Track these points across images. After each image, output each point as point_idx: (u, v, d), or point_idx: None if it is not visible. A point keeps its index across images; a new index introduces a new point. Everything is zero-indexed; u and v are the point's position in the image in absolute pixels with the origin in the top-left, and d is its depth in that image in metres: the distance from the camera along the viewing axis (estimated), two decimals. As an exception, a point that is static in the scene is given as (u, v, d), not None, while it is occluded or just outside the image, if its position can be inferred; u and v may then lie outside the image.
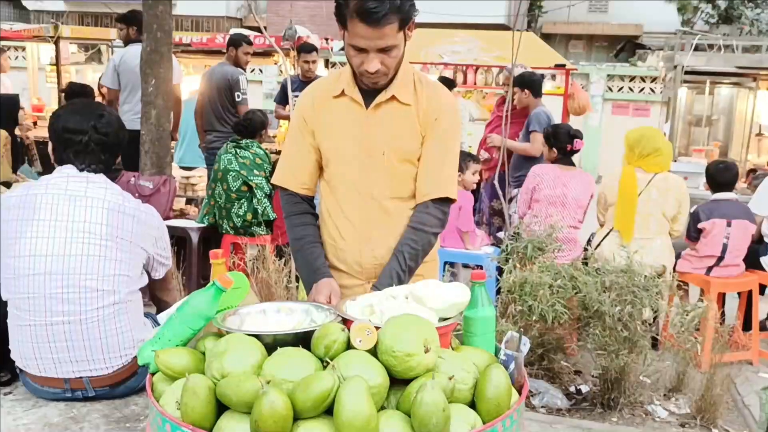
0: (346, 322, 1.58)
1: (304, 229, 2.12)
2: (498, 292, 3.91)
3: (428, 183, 2.06)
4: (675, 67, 7.75)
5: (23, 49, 13.22)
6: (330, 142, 2.08)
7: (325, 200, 2.17)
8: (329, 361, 1.41)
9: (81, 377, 2.14)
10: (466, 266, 5.45)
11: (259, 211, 4.95)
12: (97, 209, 2.14)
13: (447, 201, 2.09)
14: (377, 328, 1.47)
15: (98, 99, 7.03)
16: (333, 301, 1.93)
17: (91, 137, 2.20)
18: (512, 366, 1.60)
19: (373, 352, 1.45)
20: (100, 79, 7.31)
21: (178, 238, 4.91)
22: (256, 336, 1.50)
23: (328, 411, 1.33)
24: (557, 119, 6.07)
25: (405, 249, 2.03)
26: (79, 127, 2.20)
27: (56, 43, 8.88)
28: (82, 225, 2.11)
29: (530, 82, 5.74)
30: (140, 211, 2.23)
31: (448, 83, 6.99)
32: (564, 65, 7.60)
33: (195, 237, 5.01)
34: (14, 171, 5.02)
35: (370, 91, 2.03)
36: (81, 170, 2.20)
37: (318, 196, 2.23)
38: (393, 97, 2.03)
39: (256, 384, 1.32)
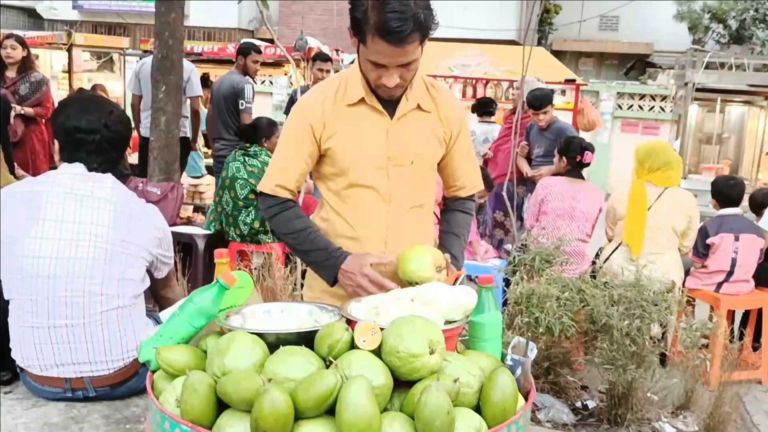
0: (350, 323, 1.55)
1: (304, 221, 2.05)
2: (505, 303, 3.87)
3: (473, 176, 2.24)
4: (686, 84, 7.73)
5: (36, 57, 13.32)
6: (350, 152, 2.00)
7: (338, 210, 2.07)
8: (332, 360, 1.38)
9: (82, 377, 2.11)
10: (470, 278, 5.42)
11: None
12: (104, 211, 2.10)
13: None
14: (382, 329, 1.45)
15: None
16: (382, 260, 1.95)
17: (104, 136, 2.16)
18: (519, 371, 1.57)
19: (378, 353, 1.42)
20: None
21: (185, 245, 4.90)
22: (259, 335, 1.48)
23: (331, 411, 1.31)
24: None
25: (463, 233, 2.22)
26: (92, 126, 2.15)
27: (69, 51, 8.97)
28: (89, 227, 2.07)
29: (551, 96, 5.74)
30: (145, 212, 2.21)
31: (489, 103, 7.03)
32: (574, 80, 7.60)
33: (201, 244, 5.00)
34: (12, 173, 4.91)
35: (386, 99, 2.00)
36: (91, 170, 2.16)
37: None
38: (417, 106, 2.02)
39: (258, 382, 1.30)
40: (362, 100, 1.99)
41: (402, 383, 1.42)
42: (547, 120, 5.62)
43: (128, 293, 2.14)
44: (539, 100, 5.54)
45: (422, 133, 2.05)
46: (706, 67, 7.70)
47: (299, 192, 2.18)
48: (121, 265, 2.11)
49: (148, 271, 2.28)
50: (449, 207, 2.28)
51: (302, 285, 4.42)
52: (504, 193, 4.94)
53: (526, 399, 1.54)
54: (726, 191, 4.73)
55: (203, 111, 7.28)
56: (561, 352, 3.98)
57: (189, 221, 5.48)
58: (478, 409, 1.45)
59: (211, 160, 7.14)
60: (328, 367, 1.39)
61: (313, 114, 2.00)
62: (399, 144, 2.01)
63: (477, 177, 2.26)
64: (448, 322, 1.61)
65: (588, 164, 4.80)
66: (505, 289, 3.84)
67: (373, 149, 2.00)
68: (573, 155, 4.72)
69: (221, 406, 1.36)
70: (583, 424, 3.83)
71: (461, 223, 2.24)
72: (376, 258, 1.97)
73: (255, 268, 4.65)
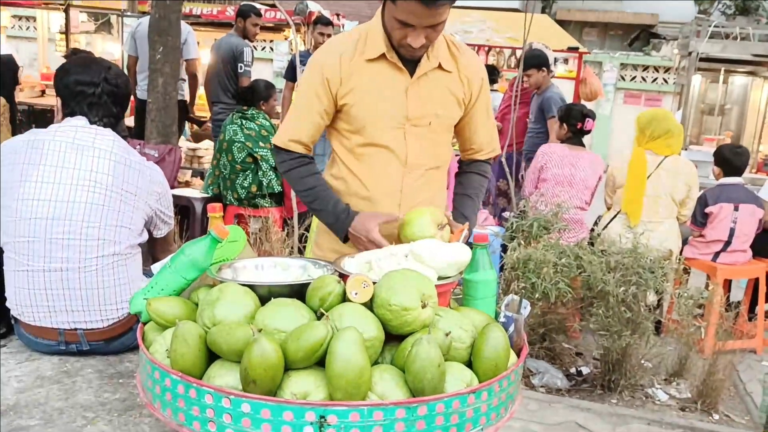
0: (343, 277, 1.54)
1: (315, 179, 2.04)
2: (501, 269, 3.87)
3: (491, 140, 2.20)
4: (690, 53, 7.64)
5: (34, 19, 13.21)
6: (367, 110, 1.96)
7: (351, 168, 2.04)
8: (324, 312, 1.37)
9: (76, 329, 2.12)
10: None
11: (264, 184, 4.91)
12: (103, 160, 2.14)
13: None
14: (375, 282, 1.44)
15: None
16: (389, 218, 1.94)
17: (104, 89, 2.21)
18: (512, 328, 1.57)
19: (370, 306, 1.41)
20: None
21: (182, 208, 4.89)
22: (251, 287, 1.47)
23: (321, 363, 1.30)
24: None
25: (476, 194, 2.17)
26: (92, 79, 2.21)
27: (66, 11, 8.85)
28: (89, 174, 2.11)
29: (546, 59, 5.66)
30: (144, 166, 2.23)
31: (491, 71, 6.94)
32: (577, 48, 7.51)
33: (199, 207, 4.99)
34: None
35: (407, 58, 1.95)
36: (92, 123, 2.20)
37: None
38: (438, 66, 1.98)
39: (248, 332, 1.29)
40: (382, 56, 1.94)
41: (394, 338, 1.41)
42: (533, 83, 5.57)
43: (125, 241, 2.15)
44: (523, 61, 5.45)
45: (442, 93, 2.01)
46: (711, 37, 7.60)
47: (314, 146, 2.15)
48: (119, 212, 2.14)
49: (148, 230, 2.30)
50: (465, 169, 2.24)
51: (299, 249, 4.46)
52: (504, 160, 4.91)
53: (518, 356, 1.53)
54: (731, 159, 4.70)
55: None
56: (556, 318, 4.00)
57: (187, 185, 5.45)
58: (469, 365, 1.44)
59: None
60: (319, 319, 1.38)
61: (330, 68, 1.96)
62: (418, 104, 1.97)
63: (495, 140, 2.22)
64: (441, 278, 1.60)
65: (589, 131, 4.76)
66: (503, 255, 3.84)
67: (391, 108, 1.97)
68: (574, 122, 4.68)
69: (211, 356, 1.36)
70: (576, 390, 3.85)
71: (475, 184, 2.20)
72: (383, 217, 1.95)
73: (252, 233, 4.65)
